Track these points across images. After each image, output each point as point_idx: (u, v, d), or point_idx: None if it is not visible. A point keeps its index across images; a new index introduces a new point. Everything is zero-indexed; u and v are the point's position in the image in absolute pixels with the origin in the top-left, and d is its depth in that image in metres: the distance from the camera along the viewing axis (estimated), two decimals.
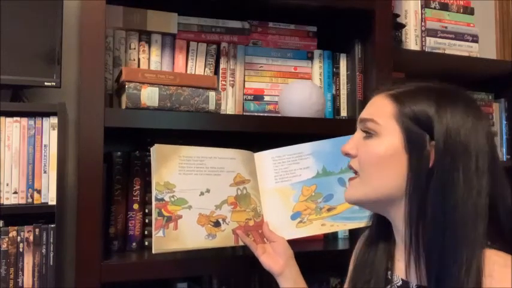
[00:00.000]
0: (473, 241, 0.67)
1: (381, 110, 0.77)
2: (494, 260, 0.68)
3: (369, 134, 0.77)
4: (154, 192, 0.96)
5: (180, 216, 0.98)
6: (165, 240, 0.96)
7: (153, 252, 0.95)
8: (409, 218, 0.72)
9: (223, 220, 1.03)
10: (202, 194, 1.02)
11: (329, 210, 1.10)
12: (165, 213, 0.97)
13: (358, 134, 0.80)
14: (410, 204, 0.72)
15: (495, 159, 0.73)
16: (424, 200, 0.70)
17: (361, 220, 1.02)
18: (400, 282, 0.78)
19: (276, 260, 1.01)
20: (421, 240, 0.71)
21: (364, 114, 0.79)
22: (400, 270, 0.79)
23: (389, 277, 0.79)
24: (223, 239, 1.03)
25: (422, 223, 0.71)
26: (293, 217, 1.09)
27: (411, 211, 0.72)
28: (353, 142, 0.80)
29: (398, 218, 0.76)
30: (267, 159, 1.10)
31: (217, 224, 1.02)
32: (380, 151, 0.74)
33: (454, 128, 0.71)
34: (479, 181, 0.69)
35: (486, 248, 0.69)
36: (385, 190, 0.74)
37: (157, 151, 0.98)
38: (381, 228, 0.83)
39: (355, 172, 0.79)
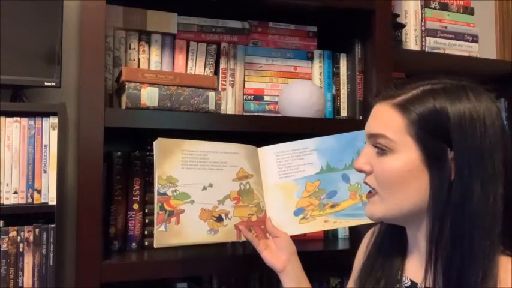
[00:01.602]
0: (489, 248, 0.67)
1: (390, 123, 0.72)
2: (507, 269, 0.67)
3: (382, 150, 0.73)
4: (156, 186, 0.96)
5: (183, 211, 0.98)
6: (167, 235, 0.96)
7: (155, 246, 0.95)
8: (431, 233, 0.70)
9: (226, 215, 1.03)
10: (205, 188, 1.01)
11: (332, 206, 1.10)
12: (167, 208, 0.96)
13: (370, 150, 0.76)
14: (433, 220, 0.69)
15: (508, 153, 0.70)
16: (445, 213, 0.68)
17: (365, 217, 1.01)
18: (409, 283, 0.77)
19: (278, 256, 1.00)
20: (441, 251, 0.69)
21: (373, 128, 0.75)
22: (409, 271, 0.78)
23: (399, 277, 0.78)
24: (225, 234, 1.03)
25: (442, 236, 0.69)
26: (296, 213, 1.09)
27: (433, 226, 0.69)
28: (365, 158, 0.76)
29: (418, 230, 0.74)
30: (270, 154, 1.10)
31: (219, 219, 1.02)
32: (398, 168, 0.71)
33: (469, 124, 0.68)
34: (495, 185, 0.67)
35: (501, 254, 0.69)
36: (407, 206, 0.72)
37: (160, 145, 0.98)
38: (395, 226, 0.81)
39: (372, 189, 0.76)
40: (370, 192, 0.77)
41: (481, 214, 0.67)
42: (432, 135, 0.69)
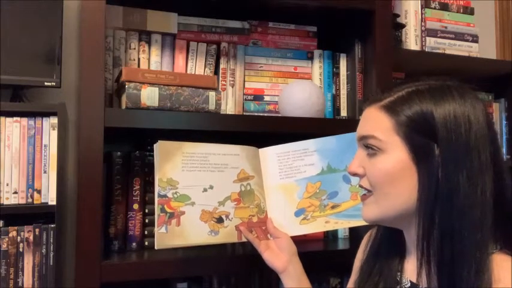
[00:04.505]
0: (480, 242, 0.67)
1: (378, 124, 0.75)
2: (506, 267, 0.67)
3: (372, 150, 0.75)
4: (157, 189, 0.96)
5: (183, 213, 0.98)
6: (167, 236, 0.96)
7: (156, 248, 0.95)
8: (422, 230, 0.71)
9: (226, 216, 1.03)
10: (205, 190, 1.01)
11: (333, 207, 1.10)
12: (168, 210, 0.97)
13: (361, 152, 0.78)
14: (423, 216, 0.70)
15: (496, 147, 0.72)
16: (434, 209, 0.69)
17: None
18: (409, 284, 0.77)
19: (279, 256, 1.00)
20: (432, 247, 0.70)
21: (362, 131, 0.77)
22: (409, 272, 0.78)
23: (398, 278, 0.79)
24: (226, 235, 1.03)
25: (433, 232, 0.70)
26: (297, 214, 1.09)
27: (423, 223, 0.70)
28: (358, 161, 0.78)
29: (411, 227, 0.75)
30: (271, 155, 1.10)
31: (220, 221, 1.02)
32: (388, 168, 0.72)
33: (453, 122, 0.69)
34: (482, 178, 0.68)
35: (496, 252, 0.69)
36: (400, 205, 0.73)
37: (160, 147, 0.98)
38: (392, 228, 0.81)
39: (368, 190, 0.77)
40: (364, 194, 0.79)
41: (469, 207, 0.68)
42: (419, 134, 0.71)
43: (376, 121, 0.75)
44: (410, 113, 0.72)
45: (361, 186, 0.78)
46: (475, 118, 0.70)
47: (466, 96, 0.72)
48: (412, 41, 1.62)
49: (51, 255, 1.15)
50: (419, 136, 0.71)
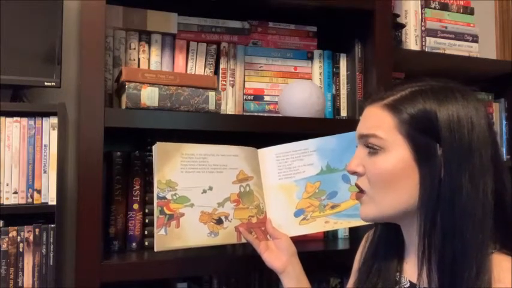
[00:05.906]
0: (481, 242, 0.67)
1: (380, 123, 0.74)
2: (506, 267, 0.68)
3: (373, 150, 0.74)
4: (156, 191, 0.96)
5: (182, 214, 0.98)
6: (167, 238, 0.96)
7: (155, 250, 0.95)
8: (423, 230, 0.70)
9: (226, 217, 1.03)
10: (204, 191, 1.01)
11: (333, 207, 1.09)
12: (167, 212, 0.96)
13: (362, 151, 0.77)
14: (425, 216, 0.70)
15: (497, 149, 0.72)
16: (436, 209, 0.69)
17: None
18: (408, 284, 0.77)
19: (279, 257, 1.00)
20: (433, 247, 0.70)
21: (363, 129, 0.77)
22: (408, 272, 0.78)
23: (397, 278, 0.79)
24: (225, 236, 1.03)
25: (434, 232, 0.70)
26: (296, 214, 1.09)
27: (425, 223, 0.70)
28: (358, 159, 0.77)
29: (411, 227, 0.75)
30: (270, 155, 1.10)
31: (219, 222, 1.02)
32: (389, 167, 0.72)
33: (457, 123, 0.69)
34: (484, 179, 0.68)
35: (496, 252, 0.69)
36: (400, 204, 0.73)
37: (159, 149, 0.98)
38: (389, 229, 0.81)
39: (362, 190, 0.77)
40: (358, 193, 0.78)
41: (471, 208, 0.68)
42: (422, 133, 0.71)
43: (378, 119, 0.75)
44: (414, 111, 0.72)
45: (357, 185, 0.78)
46: (477, 120, 0.70)
47: (468, 98, 0.72)
48: (412, 41, 1.62)
49: (51, 255, 1.15)
50: (422, 135, 0.71)
